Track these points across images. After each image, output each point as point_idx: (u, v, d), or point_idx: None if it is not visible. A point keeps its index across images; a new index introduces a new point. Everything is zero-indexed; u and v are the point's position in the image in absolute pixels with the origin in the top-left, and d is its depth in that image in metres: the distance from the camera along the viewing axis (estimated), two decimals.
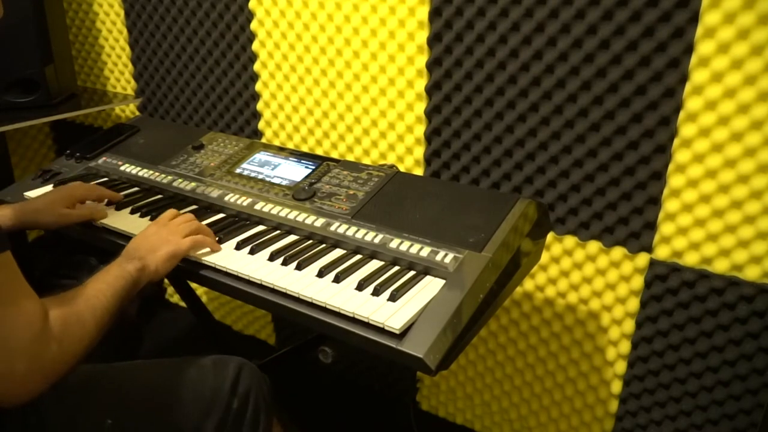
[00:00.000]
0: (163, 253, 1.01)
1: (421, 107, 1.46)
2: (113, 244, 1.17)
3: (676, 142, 1.18)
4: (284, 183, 1.27)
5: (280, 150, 1.39)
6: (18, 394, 0.74)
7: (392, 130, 1.52)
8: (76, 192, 1.21)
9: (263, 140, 1.77)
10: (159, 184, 1.33)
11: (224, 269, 1.03)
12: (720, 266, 1.21)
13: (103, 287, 0.90)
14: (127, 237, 1.15)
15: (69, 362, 0.79)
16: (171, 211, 1.13)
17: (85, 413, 0.94)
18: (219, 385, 1.05)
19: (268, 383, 1.13)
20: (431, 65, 1.40)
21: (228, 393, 1.05)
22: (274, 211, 1.18)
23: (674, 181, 1.21)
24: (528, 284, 1.47)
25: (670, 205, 1.22)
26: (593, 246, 1.35)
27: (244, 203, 1.23)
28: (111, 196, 1.25)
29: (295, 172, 1.29)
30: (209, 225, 1.16)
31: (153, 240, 1.03)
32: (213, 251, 1.08)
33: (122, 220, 1.20)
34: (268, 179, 1.29)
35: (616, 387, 1.42)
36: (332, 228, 1.11)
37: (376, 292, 0.93)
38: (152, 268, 0.99)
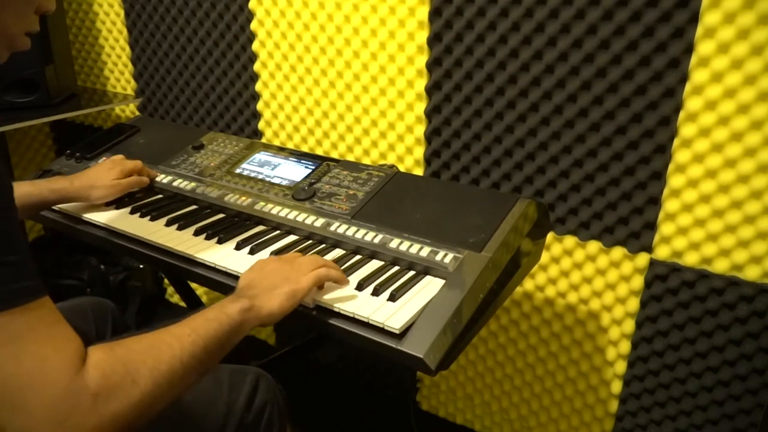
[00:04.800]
0: (280, 293, 0.87)
1: (421, 107, 1.46)
2: (113, 244, 1.17)
3: (676, 142, 1.18)
4: (284, 183, 1.27)
5: (280, 150, 1.39)
6: None
7: (392, 130, 1.52)
8: (126, 166, 1.27)
9: (263, 140, 1.77)
10: (159, 184, 1.33)
11: (224, 269, 1.03)
12: (720, 266, 1.21)
13: (184, 332, 0.72)
14: (126, 237, 1.15)
15: (109, 424, 0.61)
16: (297, 254, 1.00)
17: None
18: (234, 398, 1.03)
19: (284, 395, 1.12)
20: (431, 65, 1.40)
21: (243, 407, 1.02)
22: (274, 211, 1.18)
23: (674, 181, 1.21)
24: (528, 284, 1.47)
25: (670, 205, 1.22)
26: (593, 246, 1.35)
27: (244, 203, 1.23)
28: (149, 173, 1.34)
29: (295, 172, 1.29)
30: (209, 225, 1.17)
31: (272, 278, 0.89)
32: (341, 285, 0.96)
33: (122, 220, 1.20)
34: (268, 179, 1.29)
35: (616, 387, 1.42)
36: (332, 228, 1.11)
37: (376, 292, 0.93)
38: (265, 310, 0.85)
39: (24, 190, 1.15)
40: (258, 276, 0.90)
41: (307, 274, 0.90)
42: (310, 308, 0.93)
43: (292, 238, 1.13)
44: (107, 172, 1.24)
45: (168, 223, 1.17)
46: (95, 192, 1.22)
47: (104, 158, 1.45)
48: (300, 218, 1.15)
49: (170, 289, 2.22)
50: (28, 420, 0.58)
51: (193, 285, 1.57)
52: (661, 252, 1.26)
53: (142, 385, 0.64)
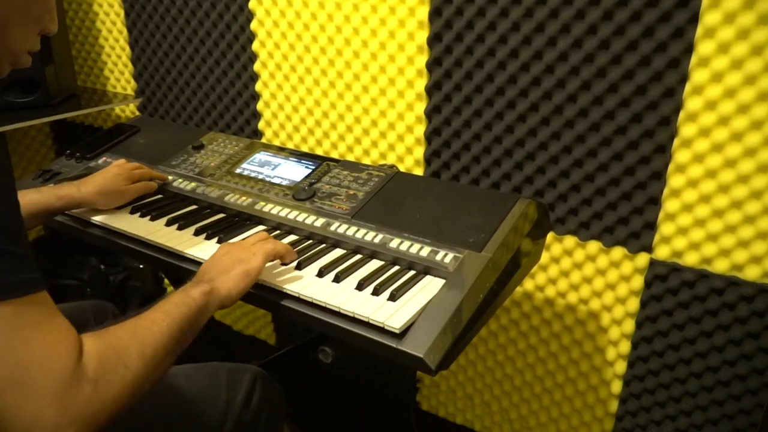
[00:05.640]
0: (235, 274, 0.92)
1: (421, 107, 1.46)
2: (113, 244, 1.17)
3: (676, 142, 1.18)
4: (284, 183, 1.27)
5: (280, 150, 1.39)
6: None
7: (392, 130, 1.52)
8: (133, 174, 1.26)
9: (263, 140, 1.77)
10: (158, 184, 1.33)
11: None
12: (720, 266, 1.21)
13: (158, 317, 0.78)
14: (126, 237, 1.15)
15: (108, 407, 0.66)
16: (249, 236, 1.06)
17: None
18: (233, 397, 1.03)
19: (282, 394, 1.12)
20: (431, 65, 1.40)
21: (241, 405, 1.03)
22: (274, 211, 1.18)
23: (674, 181, 1.21)
24: (528, 284, 1.47)
25: (670, 205, 1.22)
26: (593, 246, 1.35)
27: (244, 203, 1.23)
28: (159, 176, 1.32)
29: (295, 172, 1.29)
30: (209, 225, 1.17)
31: (224, 261, 0.94)
32: (290, 261, 1.02)
33: (122, 220, 1.20)
34: (268, 179, 1.29)
35: (616, 387, 1.42)
36: (332, 228, 1.11)
37: (376, 292, 0.93)
38: (223, 291, 0.89)
39: (29, 198, 1.12)
40: (211, 262, 0.95)
41: (256, 253, 0.96)
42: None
43: (292, 238, 1.13)
44: (114, 178, 1.22)
45: (168, 223, 1.17)
46: (104, 199, 1.20)
47: (104, 158, 1.46)
48: (300, 218, 1.15)
49: (170, 289, 2.22)
50: (35, 406, 0.61)
51: None
52: (661, 252, 1.26)
53: (133, 368, 0.69)
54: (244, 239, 1.02)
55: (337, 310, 0.91)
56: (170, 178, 1.34)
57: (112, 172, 1.23)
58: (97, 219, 1.20)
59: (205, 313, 0.85)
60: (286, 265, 1.02)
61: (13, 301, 0.61)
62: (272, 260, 0.99)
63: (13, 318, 0.62)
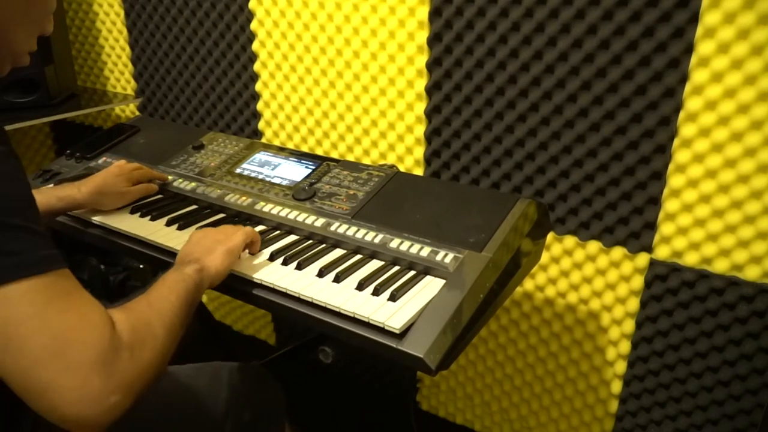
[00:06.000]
0: (219, 253, 0.95)
1: (421, 107, 1.46)
2: (113, 244, 1.17)
3: (676, 142, 1.18)
4: (284, 183, 1.27)
5: (280, 150, 1.39)
6: (99, 413, 0.62)
7: (392, 130, 1.52)
8: (133, 175, 1.26)
9: (263, 140, 1.77)
10: (158, 184, 1.33)
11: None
12: (720, 266, 1.21)
13: (165, 292, 0.81)
14: (126, 236, 1.15)
15: (145, 373, 0.68)
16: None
17: None
18: (234, 396, 1.04)
19: (283, 394, 1.12)
20: (431, 65, 1.40)
21: (242, 404, 1.03)
22: (274, 211, 1.18)
23: (674, 181, 1.21)
24: (528, 284, 1.47)
25: (670, 205, 1.23)
26: (593, 246, 1.35)
27: (244, 203, 1.23)
28: (159, 176, 1.32)
29: (295, 172, 1.29)
30: (209, 225, 1.17)
31: (204, 243, 0.97)
32: (252, 255, 1.05)
33: (122, 220, 1.20)
34: (268, 179, 1.29)
35: (616, 387, 1.42)
36: (332, 228, 1.11)
37: (376, 292, 0.93)
38: (212, 269, 0.92)
39: None
40: (191, 246, 0.97)
41: (235, 233, 1.00)
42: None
43: (292, 237, 1.13)
44: (115, 180, 1.22)
45: (168, 223, 1.17)
46: (105, 200, 1.20)
47: (104, 158, 1.45)
48: (300, 218, 1.15)
49: None
50: (79, 376, 0.61)
51: None
52: (661, 252, 1.26)
53: (161, 336, 0.72)
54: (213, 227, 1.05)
55: (337, 310, 0.91)
56: (170, 178, 1.34)
57: (113, 173, 1.23)
58: (97, 219, 1.20)
59: (200, 289, 0.87)
60: (252, 254, 1.05)
61: (44, 275, 0.62)
62: (249, 242, 1.03)
63: (46, 290, 0.62)
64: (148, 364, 0.69)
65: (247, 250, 1.04)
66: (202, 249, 0.95)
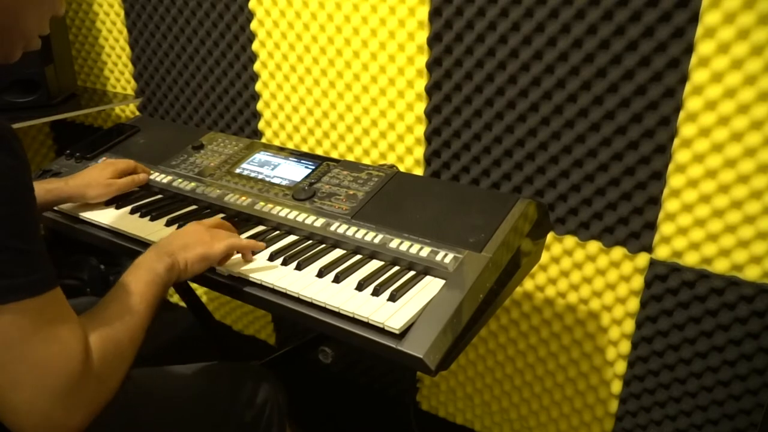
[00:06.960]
0: (195, 253, 0.94)
1: (421, 107, 1.46)
2: (113, 244, 1.17)
3: (676, 142, 1.18)
4: (284, 183, 1.27)
5: (280, 150, 1.39)
6: None
7: (392, 130, 1.52)
8: (119, 165, 1.27)
9: (263, 140, 1.77)
10: (159, 184, 1.33)
11: (224, 269, 1.03)
12: (720, 266, 1.21)
13: (136, 301, 0.81)
14: (126, 237, 1.15)
15: (106, 398, 0.72)
16: (217, 218, 1.08)
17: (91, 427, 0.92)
18: (235, 396, 1.04)
19: (285, 394, 1.12)
20: (431, 65, 1.40)
21: (243, 405, 1.03)
22: (274, 211, 1.18)
23: (674, 181, 1.21)
24: (528, 284, 1.47)
25: (670, 205, 1.22)
26: (593, 246, 1.35)
27: (244, 203, 1.23)
28: (144, 170, 1.32)
29: (295, 172, 1.29)
30: None
31: (189, 238, 0.96)
32: (246, 261, 1.03)
33: (122, 220, 1.20)
34: (268, 179, 1.29)
35: (616, 387, 1.42)
36: (332, 228, 1.11)
37: (376, 292, 0.93)
38: (181, 265, 0.92)
39: None
40: (176, 235, 0.97)
41: (221, 240, 0.98)
42: (224, 275, 1.00)
43: (292, 238, 1.13)
44: (101, 172, 1.24)
45: (168, 223, 1.17)
46: (91, 191, 1.21)
47: (104, 158, 1.45)
48: (300, 218, 1.15)
49: (170, 289, 2.22)
50: (47, 403, 0.65)
51: (193, 285, 1.56)
52: (661, 252, 1.26)
53: (128, 358, 0.76)
54: (218, 222, 1.05)
55: (336, 310, 0.91)
56: (161, 175, 1.34)
57: (99, 166, 1.27)
58: (98, 219, 1.20)
59: (167, 288, 0.89)
60: (254, 254, 1.04)
61: (34, 300, 0.65)
62: (233, 253, 1.02)
63: (35, 316, 0.65)
64: (112, 389, 0.73)
65: (278, 261, 1.03)
66: (182, 243, 0.95)
